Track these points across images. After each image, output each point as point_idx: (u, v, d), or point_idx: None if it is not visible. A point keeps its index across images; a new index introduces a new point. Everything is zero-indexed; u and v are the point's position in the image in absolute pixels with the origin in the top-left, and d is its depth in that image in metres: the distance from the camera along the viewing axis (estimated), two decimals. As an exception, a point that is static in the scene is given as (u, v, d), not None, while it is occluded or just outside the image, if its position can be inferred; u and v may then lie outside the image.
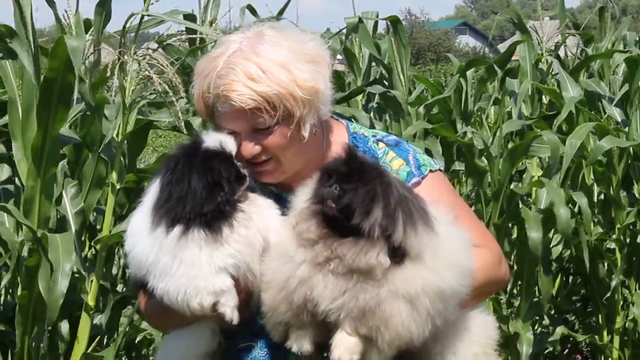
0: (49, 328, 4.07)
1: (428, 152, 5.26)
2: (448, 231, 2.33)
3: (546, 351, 5.58)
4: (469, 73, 6.12)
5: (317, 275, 2.24)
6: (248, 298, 2.44)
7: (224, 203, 2.35)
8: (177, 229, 2.31)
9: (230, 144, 2.41)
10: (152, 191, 2.40)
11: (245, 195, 2.42)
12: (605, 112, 5.65)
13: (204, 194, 2.32)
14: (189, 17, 4.82)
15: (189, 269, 2.32)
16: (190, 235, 2.31)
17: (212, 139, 2.41)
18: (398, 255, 2.20)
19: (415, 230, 2.21)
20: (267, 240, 2.39)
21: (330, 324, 2.27)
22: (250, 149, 2.46)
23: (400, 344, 2.25)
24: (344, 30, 5.61)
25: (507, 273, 2.65)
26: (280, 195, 2.58)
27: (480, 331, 2.44)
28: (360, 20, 5.57)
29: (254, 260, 2.38)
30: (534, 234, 4.92)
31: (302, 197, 2.35)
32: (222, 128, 2.47)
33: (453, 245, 2.33)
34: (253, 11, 5.29)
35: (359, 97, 5.91)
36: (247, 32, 2.51)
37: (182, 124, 3.67)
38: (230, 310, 2.36)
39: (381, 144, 2.68)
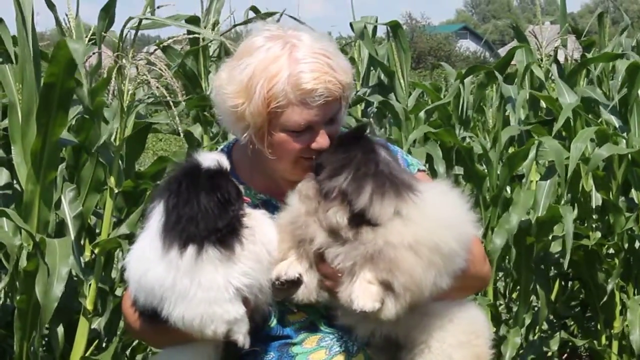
0: (47, 332, 4.07)
1: (429, 157, 5.27)
2: (443, 199, 2.45)
3: (545, 356, 5.58)
4: (468, 78, 6.12)
5: (313, 218, 2.39)
6: (252, 312, 2.45)
7: (236, 218, 2.35)
8: (191, 249, 2.30)
9: (225, 162, 2.41)
10: (156, 216, 2.36)
11: (244, 210, 2.43)
12: (599, 117, 5.65)
13: (215, 211, 2.32)
14: (192, 19, 4.81)
15: (206, 292, 2.31)
16: (204, 255, 2.30)
17: (209, 158, 2.40)
18: (360, 220, 2.33)
19: (381, 200, 2.32)
20: (272, 254, 2.41)
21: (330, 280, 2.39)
22: (326, 140, 2.47)
23: (414, 290, 2.30)
24: (345, 36, 5.64)
25: (489, 272, 2.71)
26: (270, 202, 2.60)
27: (466, 322, 2.49)
28: (365, 26, 5.58)
29: (263, 277, 2.40)
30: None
31: None
32: (285, 128, 2.44)
33: (449, 209, 2.44)
34: (257, 12, 5.25)
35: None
36: (273, 31, 2.49)
37: (180, 127, 3.67)
38: (242, 337, 2.38)
39: None
